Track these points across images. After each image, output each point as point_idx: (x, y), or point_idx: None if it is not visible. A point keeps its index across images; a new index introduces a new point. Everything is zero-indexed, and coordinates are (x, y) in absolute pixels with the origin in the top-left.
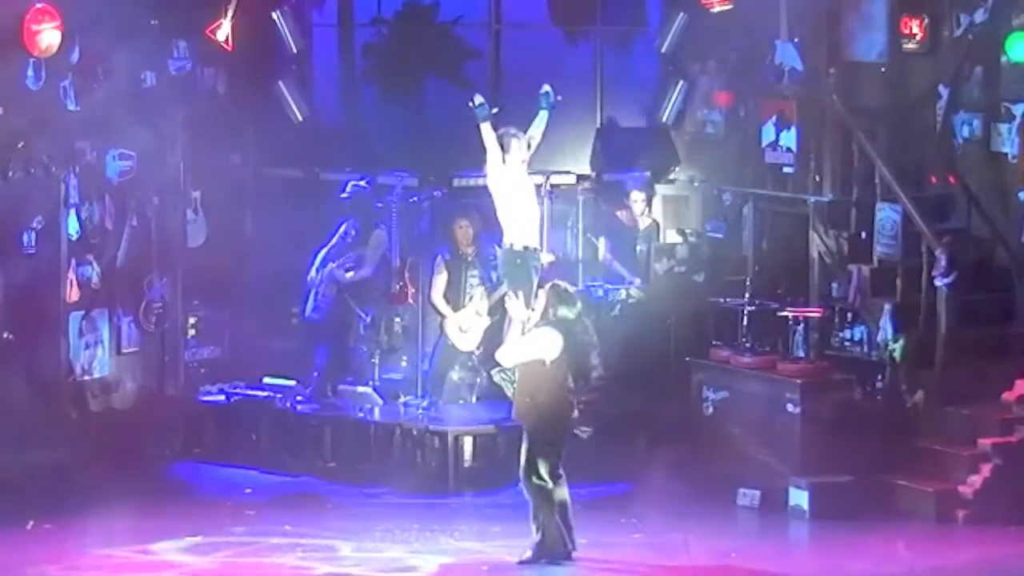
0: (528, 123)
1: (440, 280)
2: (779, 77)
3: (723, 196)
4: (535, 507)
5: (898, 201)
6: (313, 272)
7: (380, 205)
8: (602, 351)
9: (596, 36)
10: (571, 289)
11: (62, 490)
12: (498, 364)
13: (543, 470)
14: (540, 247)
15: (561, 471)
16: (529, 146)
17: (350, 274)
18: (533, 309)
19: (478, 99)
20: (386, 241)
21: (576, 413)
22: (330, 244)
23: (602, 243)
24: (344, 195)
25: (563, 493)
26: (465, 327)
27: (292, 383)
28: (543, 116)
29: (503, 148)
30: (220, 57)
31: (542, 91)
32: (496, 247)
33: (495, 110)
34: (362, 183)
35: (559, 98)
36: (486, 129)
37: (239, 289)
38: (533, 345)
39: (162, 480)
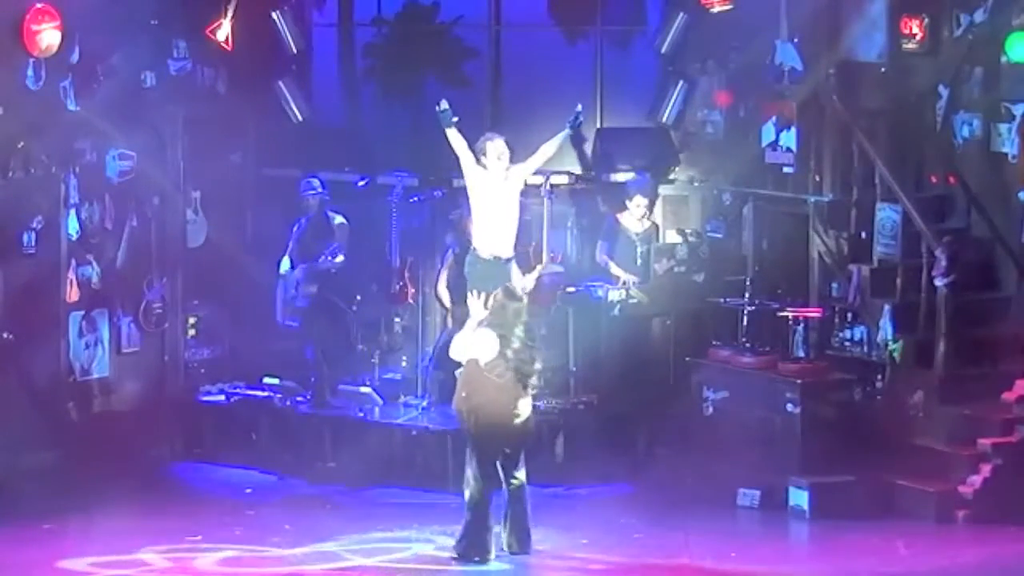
0: (526, 126)
1: (445, 273)
2: (779, 77)
3: (723, 196)
4: (466, 503)
5: (898, 201)
6: (282, 276)
7: (328, 198)
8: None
9: (596, 36)
10: (518, 292)
11: (62, 490)
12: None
13: (480, 471)
14: (511, 256)
15: (517, 474)
16: (505, 157)
17: (340, 258)
18: (487, 309)
19: (443, 104)
20: (348, 229)
21: (519, 420)
22: (288, 247)
23: (599, 246)
24: (312, 192)
25: (516, 494)
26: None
27: (292, 383)
28: (565, 135)
29: (482, 153)
30: (220, 57)
31: (578, 108)
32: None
33: (455, 119)
34: (316, 181)
35: (581, 121)
36: (452, 135)
37: (239, 289)
38: (472, 345)
39: (162, 480)
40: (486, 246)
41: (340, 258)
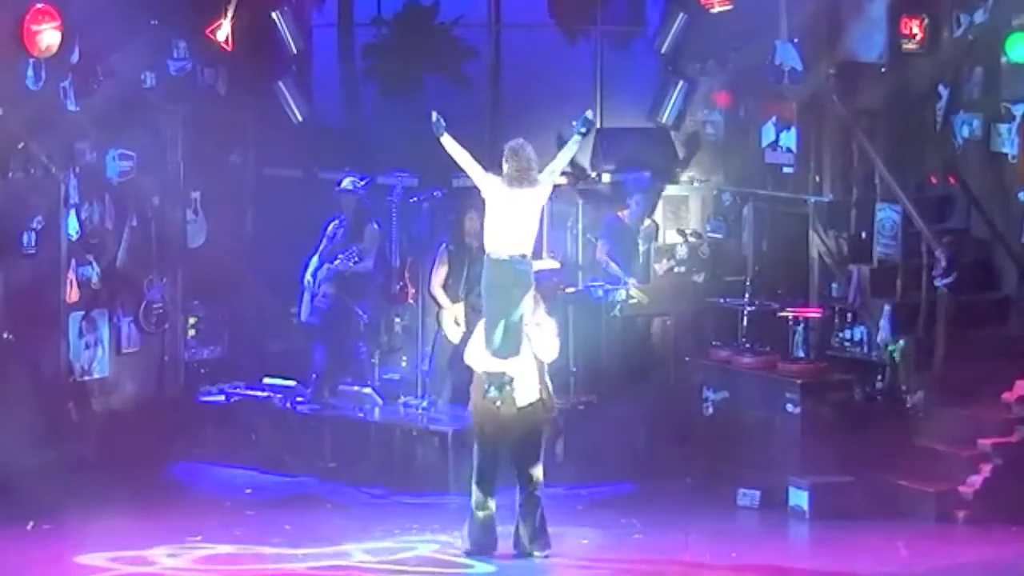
0: (526, 126)
1: (442, 271)
2: (779, 77)
3: (723, 196)
4: None
5: (898, 201)
6: (308, 275)
7: (366, 208)
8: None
9: (596, 36)
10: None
11: (62, 490)
12: None
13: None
14: (527, 255)
15: (531, 472)
16: (509, 165)
17: (355, 264)
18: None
19: (434, 115)
20: (379, 236)
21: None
22: (321, 245)
23: (600, 244)
24: (347, 188)
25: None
26: (460, 320)
27: (292, 383)
28: (576, 140)
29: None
30: (220, 57)
31: (585, 116)
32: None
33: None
34: (360, 182)
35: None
36: (446, 142)
37: (239, 289)
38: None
39: (162, 480)
40: (499, 247)
41: (356, 261)
